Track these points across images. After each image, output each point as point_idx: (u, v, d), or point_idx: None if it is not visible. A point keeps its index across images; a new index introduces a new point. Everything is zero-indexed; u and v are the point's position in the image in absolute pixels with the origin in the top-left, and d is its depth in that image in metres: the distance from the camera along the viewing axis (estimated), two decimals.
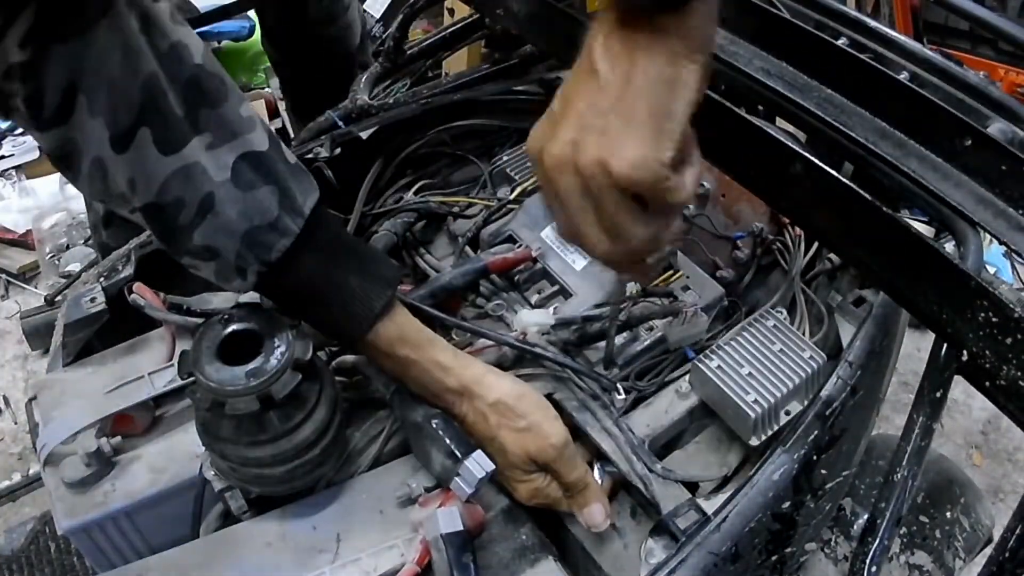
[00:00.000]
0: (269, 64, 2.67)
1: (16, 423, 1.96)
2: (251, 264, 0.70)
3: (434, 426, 0.76)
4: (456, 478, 0.73)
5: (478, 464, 0.72)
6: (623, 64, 0.55)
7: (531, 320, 0.87)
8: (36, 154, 2.53)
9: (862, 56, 0.81)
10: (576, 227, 0.58)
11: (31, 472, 1.78)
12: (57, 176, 2.46)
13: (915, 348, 1.76)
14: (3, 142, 2.58)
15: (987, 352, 0.63)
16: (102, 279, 0.93)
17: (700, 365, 0.82)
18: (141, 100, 0.64)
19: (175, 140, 0.65)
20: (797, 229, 0.98)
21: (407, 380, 0.78)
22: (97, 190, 0.68)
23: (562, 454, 0.76)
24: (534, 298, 0.93)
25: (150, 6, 0.65)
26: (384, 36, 1.32)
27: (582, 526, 0.80)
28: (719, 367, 0.81)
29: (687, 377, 0.86)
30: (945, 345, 0.69)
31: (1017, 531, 0.63)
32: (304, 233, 0.70)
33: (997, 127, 0.79)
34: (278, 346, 0.69)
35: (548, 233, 0.97)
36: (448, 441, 0.74)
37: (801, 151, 0.73)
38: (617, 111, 0.54)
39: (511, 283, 0.96)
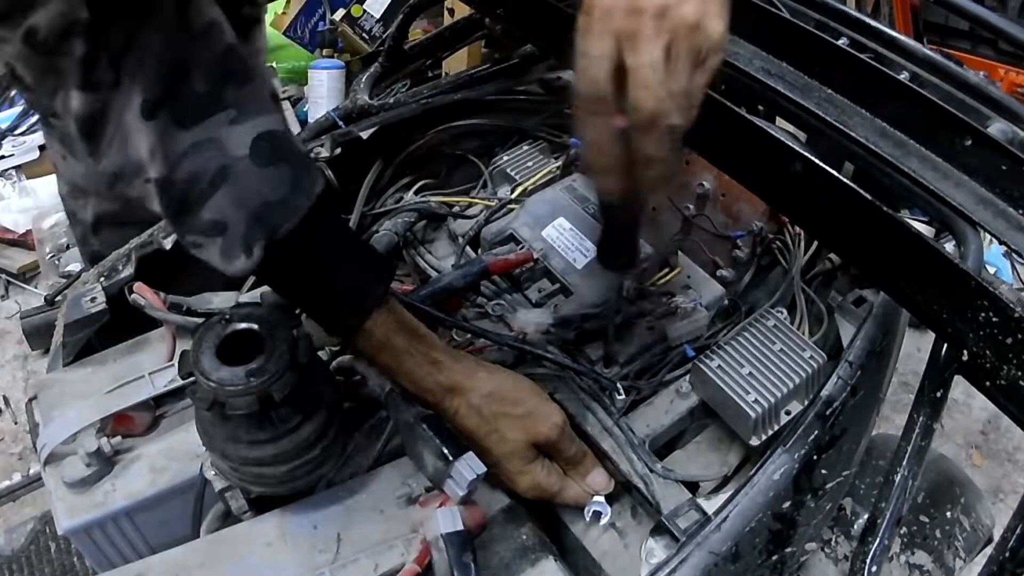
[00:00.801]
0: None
1: (16, 423, 1.96)
2: (258, 240, 0.69)
3: (425, 427, 0.76)
4: (448, 480, 0.73)
5: (469, 466, 0.72)
6: None
7: (530, 319, 0.87)
8: (36, 154, 2.53)
9: (862, 56, 0.81)
10: (649, 79, 0.60)
11: (31, 472, 1.78)
12: None
13: (915, 348, 1.76)
14: (3, 142, 2.58)
15: (987, 352, 0.63)
16: (102, 279, 0.93)
17: (700, 365, 0.82)
18: (170, 78, 0.65)
19: (194, 115, 0.66)
20: (797, 228, 0.98)
21: (400, 374, 0.78)
22: (113, 158, 0.67)
23: (563, 432, 0.79)
24: (534, 296, 0.94)
25: None
26: (384, 36, 1.32)
27: (582, 525, 0.80)
28: (719, 367, 0.82)
29: (687, 377, 0.86)
30: (945, 345, 0.69)
31: (1017, 531, 0.63)
32: (312, 214, 0.71)
33: (997, 127, 0.79)
34: (278, 346, 0.69)
35: (549, 232, 0.97)
36: (439, 442, 0.74)
37: (801, 151, 0.73)
38: None
39: (513, 283, 0.96)
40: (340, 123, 1.13)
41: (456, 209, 1.07)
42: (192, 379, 0.68)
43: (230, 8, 0.71)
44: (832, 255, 0.97)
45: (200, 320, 0.84)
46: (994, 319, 0.62)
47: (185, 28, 0.65)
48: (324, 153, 1.06)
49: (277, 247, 0.70)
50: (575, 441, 0.80)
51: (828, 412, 0.77)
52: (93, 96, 0.64)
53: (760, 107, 0.92)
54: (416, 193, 1.10)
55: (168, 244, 0.96)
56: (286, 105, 2.45)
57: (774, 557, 0.74)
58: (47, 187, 2.45)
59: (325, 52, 2.90)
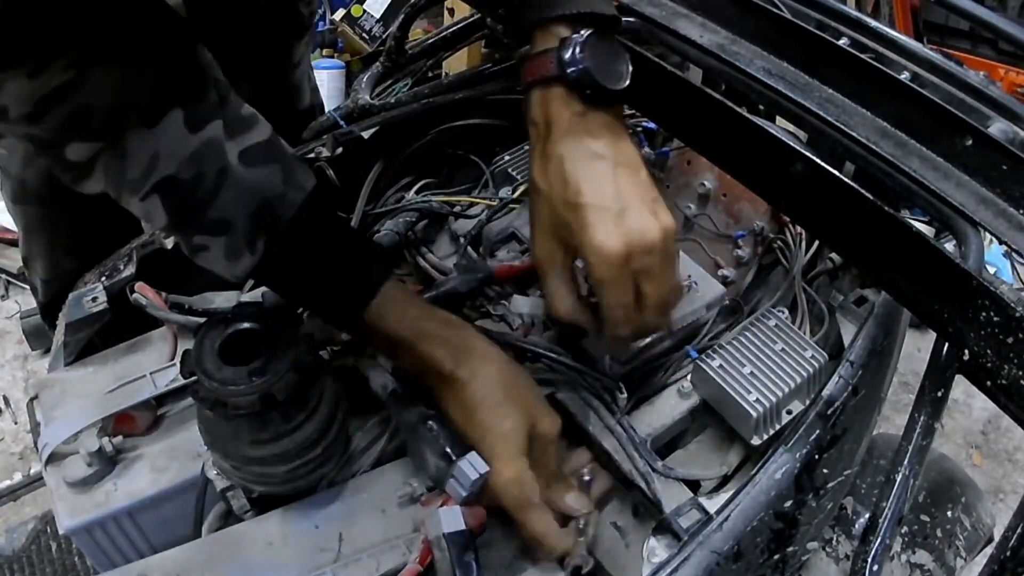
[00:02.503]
0: None
1: (16, 423, 1.96)
2: (261, 235, 0.70)
3: (428, 427, 0.76)
4: (450, 480, 0.73)
5: (471, 465, 0.72)
6: (621, 146, 0.73)
7: (524, 303, 0.88)
8: None
9: (863, 56, 0.81)
10: (671, 292, 0.75)
11: (32, 472, 1.78)
12: None
13: (915, 348, 1.76)
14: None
15: (988, 351, 0.63)
16: (104, 278, 0.93)
17: (702, 364, 0.82)
18: (184, 81, 0.67)
19: (203, 119, 0.67)
20: (798, 228, 0.98)
21: (419, 339, 0.76)
22: (111, 179, 0.68)
23: (558, 436, 0.78)
24: (536, 294, 0.94)
25: None
26: (385, 36, 1.32)
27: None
28: (721, 366, 0.82)
29: (689, 376, 0.86)
30: (946, 344, 0.69)
31: (1018, 530, 0.63)
32: (307, 205, 0.72)
33: (997, 127, 0.79)
34: (280, 345, 0.69)
35: None
36: (441, 442, 0.74)
37: (802, 150, 0.73)
38: (646, 183, 0.73)
39: (516, 285, 0.96)
40: (341, 123, 1.13)
41: (458, 209, 1.07)
42: (194, 378, 0.68)
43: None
44: (833, 255, 0.97)
45: (202, 319, 0.85)
46: (995, 319, 0.62)
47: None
48: (325, 153, 1.07)
49: (281, 238, 0.71)
50: (564, 456, 0.80)
51: (829, 412, 0.77)
52: (90, 143, 0.65)
53: (761, 107, 0.92)
54: (417, 193, 1.10)
55: (170, 243, 0.96)
56: None
57: (776, 556, 0.74)
58: None
59: (325, 52, 2.90)
